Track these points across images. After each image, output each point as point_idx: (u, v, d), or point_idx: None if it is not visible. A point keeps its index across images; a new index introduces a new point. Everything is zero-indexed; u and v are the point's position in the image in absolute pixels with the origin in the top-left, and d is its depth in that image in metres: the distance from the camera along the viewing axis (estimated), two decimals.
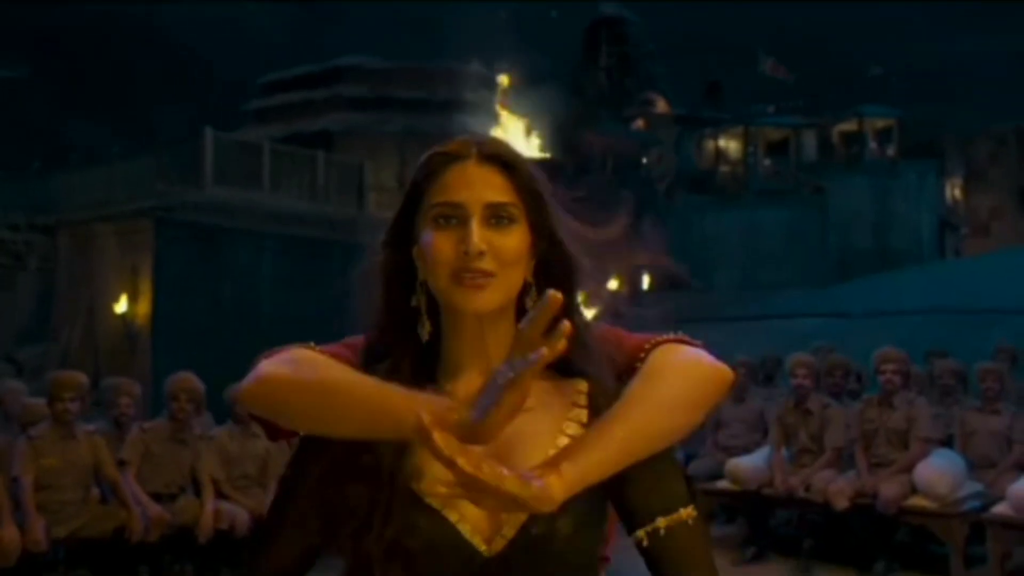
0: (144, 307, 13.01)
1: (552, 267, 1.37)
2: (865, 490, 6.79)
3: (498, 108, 18.61)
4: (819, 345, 9.66)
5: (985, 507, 6.70)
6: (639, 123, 29.43)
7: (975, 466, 7.15)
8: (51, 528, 5.83)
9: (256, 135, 18.39)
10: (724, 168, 28.34)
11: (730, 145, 29.30)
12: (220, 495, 6.61)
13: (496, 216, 1.31)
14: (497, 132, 15.62)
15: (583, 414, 1.38)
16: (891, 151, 28.44)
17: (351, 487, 1.29)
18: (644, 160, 24.48)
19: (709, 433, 8.56)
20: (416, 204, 1.36)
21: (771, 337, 14.39)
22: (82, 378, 6.31)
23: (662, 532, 1.32)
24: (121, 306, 13.04)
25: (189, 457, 6.58)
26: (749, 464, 7.42)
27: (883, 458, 6.99)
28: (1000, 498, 6.66)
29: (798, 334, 14.82)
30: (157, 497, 6.36)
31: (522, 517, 1.27)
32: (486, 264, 1.29)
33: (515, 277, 1.33)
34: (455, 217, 1.31)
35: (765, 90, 31.08)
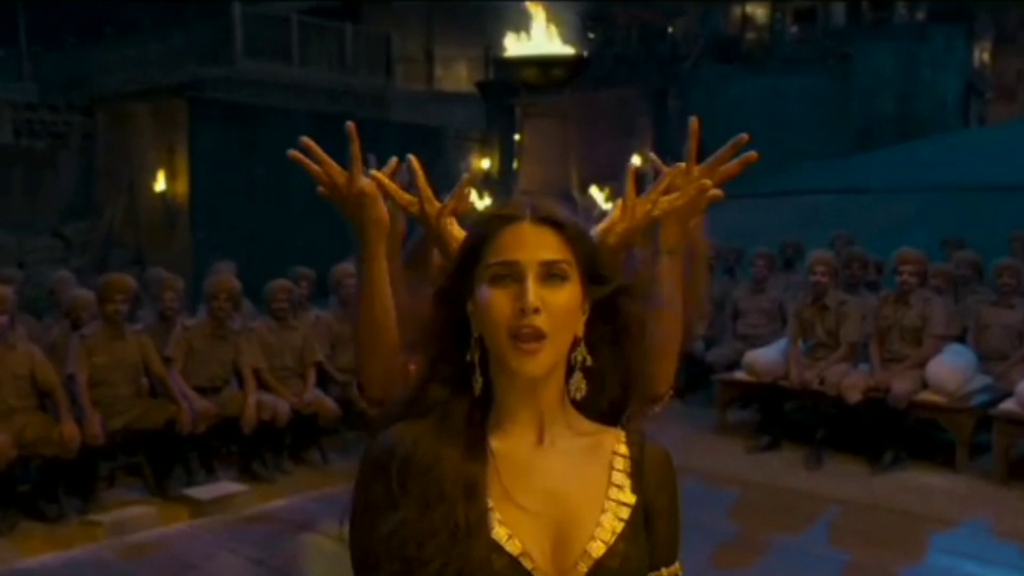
0: (182, 186, 13.24)
1: (609, 311, 1.44)
2: (878, 384, 7.07)
3: None
4: (838, 233, 9.81)
5: (993, 401, 6.98)
6: None
7: (987, 358, 7.40)
8: (106, 421, 6.19)
9: (280, 6, 18.22)
10: (750, 35, 27.86)
11: (757, 11, 28.70)
12: (261, 385, 6.96)
13: (550, 274, 1.38)
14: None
15: (626, 485, 1.44)
16: (920, 15, 27.84)
17: (427, 539, 1.34)
18: (670, 30, 24.11)
19: (728, 322, 8.83)
20: (472, 262, 1.42)
21: (792, 213, 14.53)
22: (131, 282, 6.58)
23: None
24: (160, 184, 13.28)
25: (230, 352, 6.90)
26: (766, 357, 7.68)
27: (896, 354, 7.25)
28: (1008, 390, 6.93)
29: (819, 211, 14.94)
30: (202, 391, 6.71)
31: (590, 563, 1.37)
32: (540, 322, 1.35)
33: (567, 337, 1.40)
34: (510, 275, 1.37)
35: None
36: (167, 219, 13.24)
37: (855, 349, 7.43)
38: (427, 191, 1.63)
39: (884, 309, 7.34)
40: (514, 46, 13.17)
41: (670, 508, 1.48)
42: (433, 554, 1.32)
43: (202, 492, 6.47)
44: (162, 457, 6.61)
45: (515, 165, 14.81)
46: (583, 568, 1.37)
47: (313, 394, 7.14)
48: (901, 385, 6.98)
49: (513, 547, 1.35)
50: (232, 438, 6.94)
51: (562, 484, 1.41)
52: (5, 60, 15.49)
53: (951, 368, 7.04)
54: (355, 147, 1.92)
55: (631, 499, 1.43)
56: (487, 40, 17.53)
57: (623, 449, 1.47)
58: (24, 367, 6.04)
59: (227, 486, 6.61)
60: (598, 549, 1.38)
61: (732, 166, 1.83)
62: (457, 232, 1.54)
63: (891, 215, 14.37)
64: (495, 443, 1.42)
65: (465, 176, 1.64)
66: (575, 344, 1.43)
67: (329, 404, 7.18)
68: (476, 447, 1.40)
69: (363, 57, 16.69)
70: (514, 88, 15.14)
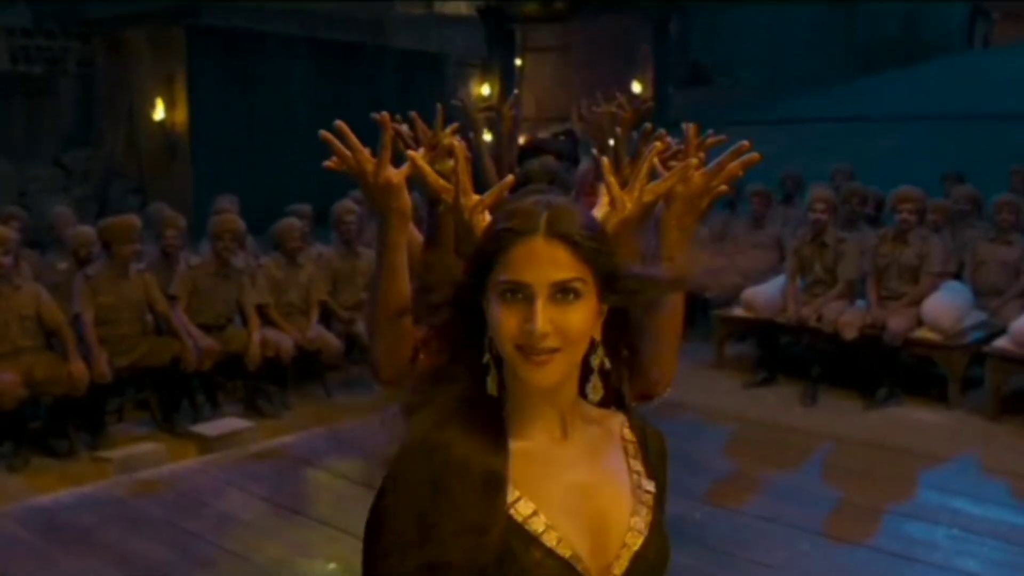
0: (181, 115, 13.17)
1: (626, 310, 1.44)
2: (874, 322, 7.15)
3: None
4: (838, 167, 9.81)
5: (988, 338, 7.08)
6: None
7: (982, 294, 7.47)
8: (113, 360, 6.29)
9: None
10: None
11: None
12: (267, 321, 7.06)
13: (562, 292, 1.34)
14: None
15: (642, 472, 1.47)
16: None
17: (450, 539, 1.33)
18: None
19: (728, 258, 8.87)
20: (484, 272, 1.38)
21: (794, 142, 14.47)
22: (138, 222, 6.63)
23: None
24: (159, 113, 13.23)
25: (234, 290, 6.97)
26: (764, 294, 7.75)
27: (894, 291, 7.33)
28: (1003, 326, 7.02)
29: (820, 139, 14.90)
30: (206, 328, 6.79)
31: (630, 555, 1.39)
32: (551, 342, 1.33)
33: (581, 348, 1.38)
34: (521, 293, 1.34)
35: None
36: (167, 148, 13.20)
37: (853, 286, 7.51)
38: (465, 182, 1.63)
39: (882, 247, 7.39)
40: None
41: (665, 486, 1.51)
42: (454, 554, 1.32)
43: (209, 428, 6.60)
44: (169, 394, 6.73)
45: (516, 93, 14.73)
46: (624, 561, 1.39)
47: (316, 330, 7.24)
48: (897, 322, 7.07)
49: (565, 550, 1.35)
50: (237, 374, 7.05)
51: (590, 477, 1.42)
52: None
53: (947, 306, 7.12)
54: (386, 137, 1.93)
55: (652, 485, 1.46)
56: None
57: (629, 434, 1.50)
58: (30, 307, 6.12)
59: (233, 422, 6.73)
60: (636, 540, 1.40)
61: (735, 166, 1.84)
62: None
63: (892, 144, 14.35)
64: (523, 444, 1.41)
65: (507, 178, 1.65)
66: (593, 346, 1.41)
67: (332, 340, 7.28)
68: (497, 445, 1.38)
69: None
70: (515, 14, 15.01)
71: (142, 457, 6.23)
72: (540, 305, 1.32)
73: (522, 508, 1.36)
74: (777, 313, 7.62)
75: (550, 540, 1.35)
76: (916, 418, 6.98)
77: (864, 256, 7.45)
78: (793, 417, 7.06)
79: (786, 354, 7.96)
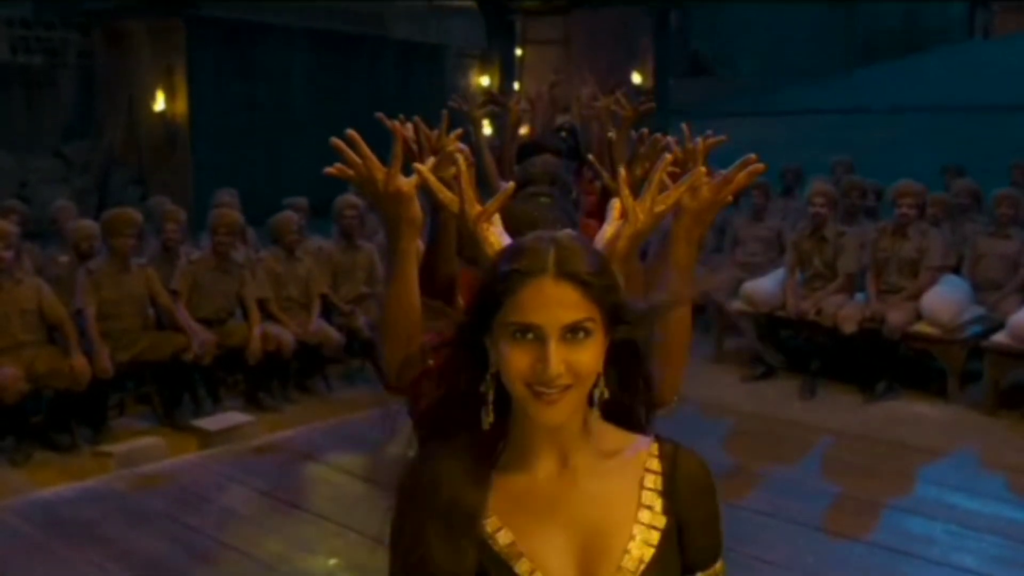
0: (181, 106, 13.16)
1: (628, 344, 1.43)
2: (873, 315, 7.17)
3: None
4: (838, 160, 9.81)
5: (986, 332, 7.10)
6: None
7: (981, 288, 7.48)
8: (115, 354, 6.29)
9: None
10: None
11: None
12: (268, 316, 7.07)
13: (573, 331, 1.34)
14: None
15: (657, 505, 1.43)
16: None
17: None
18: None
19: (727, 250, 8.88)
20: (492, 309, 1.38)
21: (793, 133, 14.50)
22: (137, 216, 6.64)
23: None
24: (159, 104, 13.23)
25: (234, 284, 6.97)
26: (763, 288, 7.76)
27: (893, 286, 7.34)
28: (1001, 320, 7.04)
29: (820, 130, 14.92)
30: (207, 323, 6.80)
31: None
32: (564, 380, 1.33)
33: (590, 383, 1.38)
34: (532, 334, 1.34)
35: None
36: (167, 139, 13.19)
37: (852, 280, 7.51)
38: (469, 191, 1.64)
39: (882, 241, 7.40)
40: None
41: (708, 518, 1.46)
42: None
43: (210, 423, 6.61)
44: (170, 388, 6.74)
45: (516, 85, 14.74)
46: None
47: (317, 324, 7.25)
48: (896, 316, 7.08)
49: None
50: (238, 369, 7.06)
51: (588, 512, 1.41)
52: None
53: (946, 300, 7.13)
54: (398, 146, 1.93)
55: (661, 522, 1.41)
56: None
57: (655, 464, 1.45)
58: (32, 301, 6.12)
59: (234, 416, 6.74)
60: None
61: (742, 178, 1.86)
62: (494, 239, 1.54)
63: (892, 136, 14.36)
64: (518, 477, 1.42)
65: (509, 185, 1.65)
66: (595, 379, 1.41)
67: (333, 334, 7.28)
68: (479, 481, 1.40)
69: None
70: (515, 6, 15.01)
71: (143, 451, 6.25)
72: (553, 347, 1.33)
73: (501, 538, 1.39)
74: (777, 307, 7.64)
75: (522, 569, 1.38)
76: (915, 412, 7.00)
77: (863, 250, 7.47)
78: (792, 411, 7.08)
79: (785, 348, 7.97)
